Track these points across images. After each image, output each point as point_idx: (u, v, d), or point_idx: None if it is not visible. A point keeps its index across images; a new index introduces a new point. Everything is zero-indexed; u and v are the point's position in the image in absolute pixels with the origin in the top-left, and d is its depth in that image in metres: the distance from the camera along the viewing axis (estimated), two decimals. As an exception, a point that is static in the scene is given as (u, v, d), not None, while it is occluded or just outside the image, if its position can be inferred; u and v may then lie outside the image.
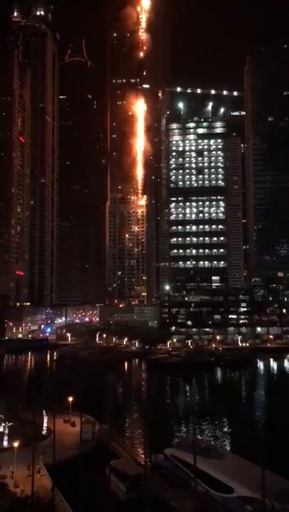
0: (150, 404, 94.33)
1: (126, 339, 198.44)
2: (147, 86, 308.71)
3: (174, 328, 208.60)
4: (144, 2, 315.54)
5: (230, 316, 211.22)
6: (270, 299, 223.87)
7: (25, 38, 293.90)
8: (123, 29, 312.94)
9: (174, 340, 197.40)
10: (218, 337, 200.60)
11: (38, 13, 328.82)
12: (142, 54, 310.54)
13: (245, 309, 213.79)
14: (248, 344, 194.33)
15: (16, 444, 53.60)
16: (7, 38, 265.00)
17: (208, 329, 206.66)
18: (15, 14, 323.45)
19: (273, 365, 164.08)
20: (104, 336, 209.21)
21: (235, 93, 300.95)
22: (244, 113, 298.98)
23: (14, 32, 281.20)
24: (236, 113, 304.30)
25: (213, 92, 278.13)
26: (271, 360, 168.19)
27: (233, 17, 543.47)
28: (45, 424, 67.43)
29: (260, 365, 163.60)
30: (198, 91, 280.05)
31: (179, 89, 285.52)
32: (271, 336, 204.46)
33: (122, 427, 77.42)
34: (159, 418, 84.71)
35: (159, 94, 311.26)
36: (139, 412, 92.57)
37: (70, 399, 72.45)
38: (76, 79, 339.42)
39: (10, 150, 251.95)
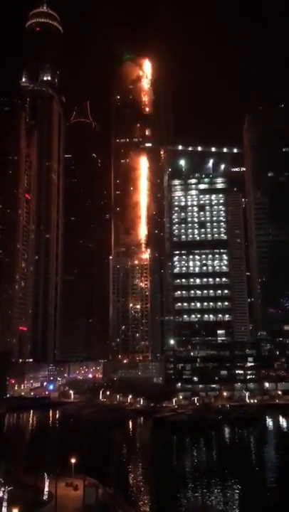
0: (156, 466, 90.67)
1: (130, 396, 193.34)
2: (150, 145, 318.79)
3: (179, 384, 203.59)
4: (145, 65, 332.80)
5: (237, 372, 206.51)
6: (277, 353, 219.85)
7: (32, 100, 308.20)
8: (126, 91, 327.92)
9: (180, 397, 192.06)
10: (225, 393, 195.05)
11: (45, 79, 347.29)
12: (144, 115, 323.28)
13: (252, 364, 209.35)
14: (256, 400, 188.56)
15: (15, 511, 50.99)
16: (15, 102, 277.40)
17: (214, 385, 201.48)
18: (23, 80, 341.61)
19: (283, 422, 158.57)
20: (108, 393, 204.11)
21: (235, 150, 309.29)
22: (244, 169, 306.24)
23: (22, 96, 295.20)
24: (237, 169, 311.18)
25: (213, 149, 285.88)
26: (280, 417, 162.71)
27: (231, 79, 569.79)
28: (46, 488, 64.15)
29: (269, 422, 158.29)
30: (199, 149, 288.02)
31: (180, 147, 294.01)
32: (280, 392, 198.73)
33: (127, 490, 73.85)
34: (165, 481, 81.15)
35: (161, 152, 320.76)
36: (145, 474, 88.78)
37: (73, 460, 69.43)
38: (81, 139, 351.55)
39: (16, 207, 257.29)
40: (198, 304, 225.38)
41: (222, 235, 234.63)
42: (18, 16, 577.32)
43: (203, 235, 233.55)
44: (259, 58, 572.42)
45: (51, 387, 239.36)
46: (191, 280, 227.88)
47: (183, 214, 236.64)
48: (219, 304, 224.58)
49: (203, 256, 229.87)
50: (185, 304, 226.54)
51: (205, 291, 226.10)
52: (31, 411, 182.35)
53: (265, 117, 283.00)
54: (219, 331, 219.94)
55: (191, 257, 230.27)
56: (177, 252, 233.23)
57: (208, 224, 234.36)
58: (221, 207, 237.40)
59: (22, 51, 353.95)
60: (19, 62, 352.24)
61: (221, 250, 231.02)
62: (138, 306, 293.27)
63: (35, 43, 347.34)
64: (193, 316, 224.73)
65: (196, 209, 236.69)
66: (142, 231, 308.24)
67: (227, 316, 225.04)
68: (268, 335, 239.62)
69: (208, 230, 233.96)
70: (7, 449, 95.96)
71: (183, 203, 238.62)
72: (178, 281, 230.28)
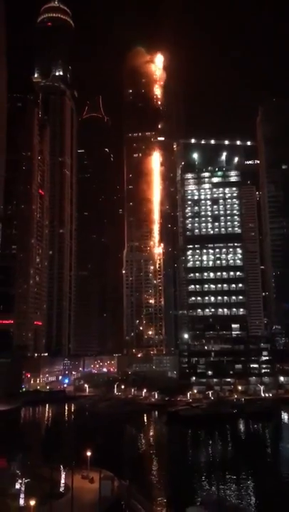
0: (171, 460, 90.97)
1: (145, 390, 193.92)
2: (162, 138, 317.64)
3: (194, 378, 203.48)
4: (158, 58, 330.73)
5: (251, 366, 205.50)
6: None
7: (45, 96, 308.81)
8: (138, 85, 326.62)
9: (195, 391, 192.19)
10: (239, 387, 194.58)
11: (57, 74, 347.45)
12: (156, 109, 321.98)
13: (267, 358, 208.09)
14: (270, 394, 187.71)
15: (32, 503, 51.70)
16: (28, 98, 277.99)
17: (229, 379, 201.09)
18: (35, 75, 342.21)
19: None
20: (123, 387, 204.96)
21: (248, 143, 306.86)
22: (258, 162, 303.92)
23: (35, 91, 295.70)
24: (250, 162, 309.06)
25: (226, 142, 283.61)
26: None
27: (245, 71, 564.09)
28: (62, 481, 65.03)
29: (285, 416, 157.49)
30: (212, 142, 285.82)
31: (193, 140, 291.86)
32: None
33: (142, 482, 74.08)
34: (180, 473, 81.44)
35: (174, 146, 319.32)
36: (160, 468, 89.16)
37: (89, 453, 70.01)
38: (93, 134, 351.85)
39: (30, 202, 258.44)
40: (212, 298, 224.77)
41: (236, 228, 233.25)
42: (30, 11, 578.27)
43: (216, 229, 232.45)
44: (273, 49, 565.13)
45: (66, 381, 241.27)
46: (205, 274, 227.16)
47: (196, 208, 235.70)
48: (233, 297, 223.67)
49: (217, 250, 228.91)
50: (199, 298, 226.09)
51: (219, 285, 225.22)
52: (47, 405, 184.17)
53: (278, 109, 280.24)
54: (233, 325, 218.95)
55: (204, 251, 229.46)
56: (190, 246, 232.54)
57: (222, 218, 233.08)
58: (234, 200, 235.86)
59: (34, 46, 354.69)
60: (31, 58, 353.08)
61: (235, 244, 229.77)
62: (151, 301, 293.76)
63: (47, 38, 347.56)
64: (207, 310, 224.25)
65: (209, 203, 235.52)
66: (155, 225, 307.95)
67: (241, 310, 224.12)
68: (282, 328, 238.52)
69: (222, 223, 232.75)
70: (24, 441, 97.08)
71: (196, 197, 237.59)
72: (191, 275, 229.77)
